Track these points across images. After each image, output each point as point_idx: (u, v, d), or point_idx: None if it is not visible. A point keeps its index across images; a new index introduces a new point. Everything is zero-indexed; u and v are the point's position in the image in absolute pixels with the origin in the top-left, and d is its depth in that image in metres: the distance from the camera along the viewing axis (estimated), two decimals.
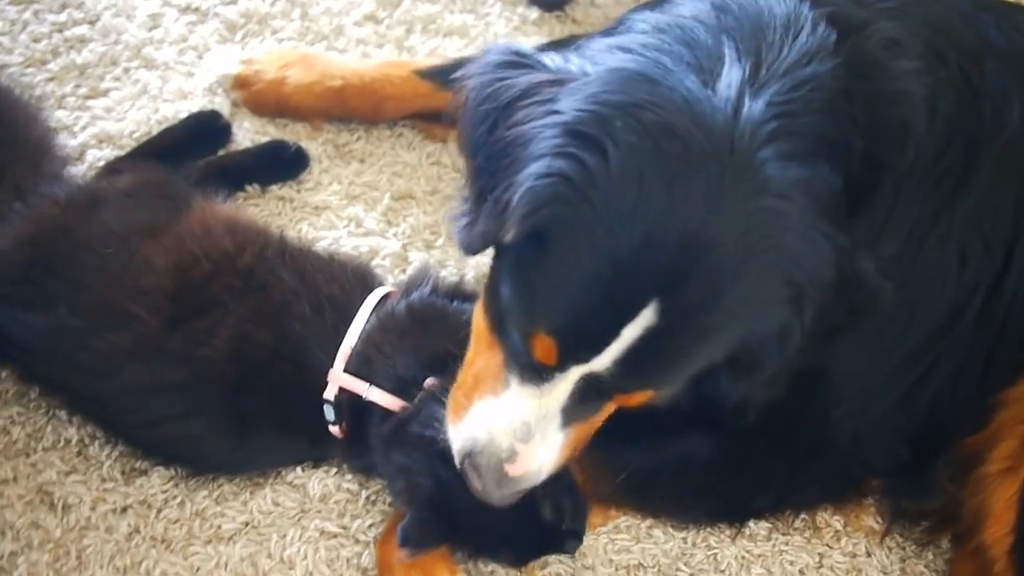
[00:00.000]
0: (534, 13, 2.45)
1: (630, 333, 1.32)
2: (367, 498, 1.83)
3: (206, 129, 2.17)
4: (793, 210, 1.33)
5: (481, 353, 1.56)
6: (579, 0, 2.48)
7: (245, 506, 1.81)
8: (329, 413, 1.76)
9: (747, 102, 1.34)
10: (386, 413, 1.72)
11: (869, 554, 1.83)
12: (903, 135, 1.52)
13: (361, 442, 1.77)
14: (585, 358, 1.37)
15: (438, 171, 2.21)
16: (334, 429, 1.77)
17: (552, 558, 1.79)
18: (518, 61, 1.46)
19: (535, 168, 1.34)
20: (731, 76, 1.37)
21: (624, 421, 1.60)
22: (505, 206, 1.37)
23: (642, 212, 1.29)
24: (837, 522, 1.86)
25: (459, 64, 2.16)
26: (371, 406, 1.73)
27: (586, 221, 1.31)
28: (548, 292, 1.38)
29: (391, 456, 1.70)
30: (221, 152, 2.18)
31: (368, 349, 1.76)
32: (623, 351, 1.34)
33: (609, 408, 1.54)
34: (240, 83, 2.23)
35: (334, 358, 1.76)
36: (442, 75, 2.18)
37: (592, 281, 1.33)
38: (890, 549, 1.84)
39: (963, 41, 1.64)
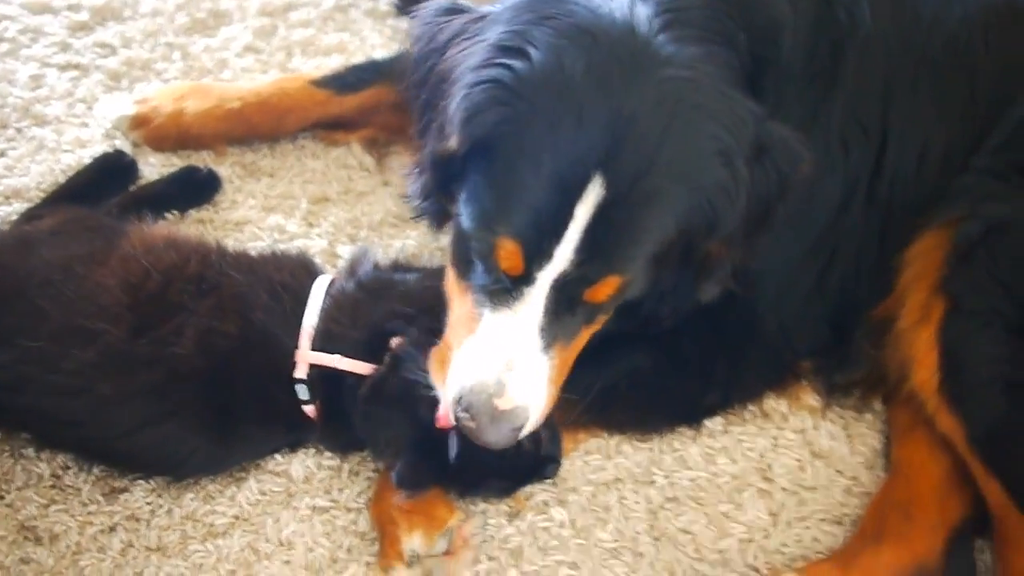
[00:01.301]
0: (404, 22, 2.59)
1: (583, 212, 1.47)
2: (349, 471, 1.90)
3: (113, 169, 2.22)
4: (700, 77, 1.52)
5: (455, 306, 1.67)
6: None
7: (233, 500, 1.85)
8: (303, 392, 1.83)
9: (638, 3, 1.56)
10: (358, 379, 1.80)
11: (816, 427, 2.00)
12: (775, 31, 1.73)
13: (337, 418, 1.84)
14: (548, 253, 1.49)
15: (347, 173, 2.32)
16: (309, 409, 1.84)
17: (537, 487, 1.89)
18: (452, 8, 1.66)
19: (468, 79, 1.51)
20: None
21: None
22: (446, 120, 1.52)
23: (570, 98, 1.47)
24: (782, 406, 2.02)
25: (351, 70, 2.33)
26: (343, 377, 1.81)
27: (523, 117, 1.48)
28: (503, 197, 1.51)
29: (372, 413, 1.77)
30: (132, 188, 2.22)
31: (329, 325, 1.84)
32: (581, 234, 1.48)
33: (585, 330, 1.65)
34: (138, 122, 2.29)
35: (298, 340, 1.83)
36: (336, 82, 2.31)
37: (539, 172, 1.47)
38: (832, 421, 2.02)
39: None
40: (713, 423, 1.99)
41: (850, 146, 1.90)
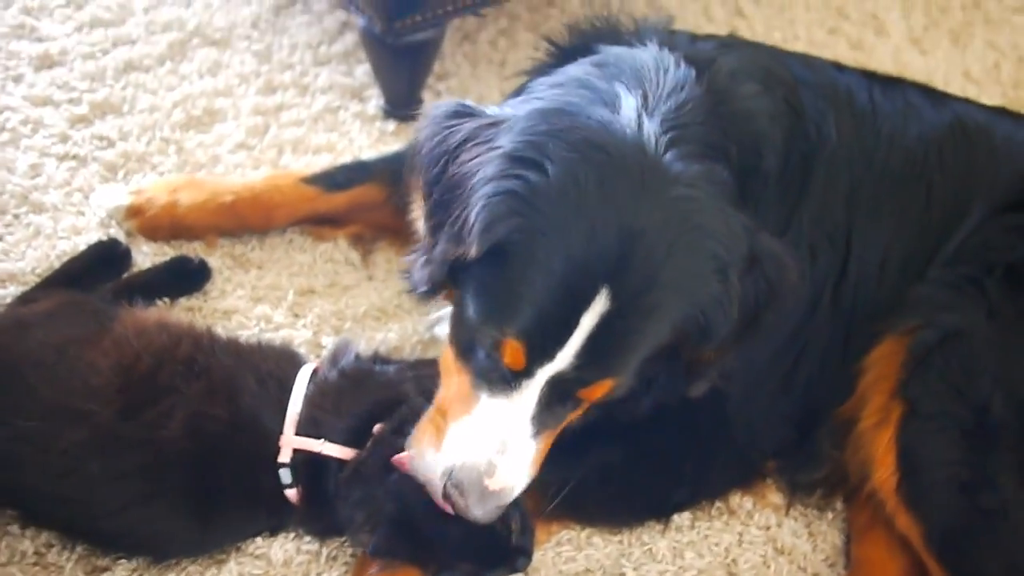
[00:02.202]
0: (391, 125, 2.72)
1: (588, 321, 1.56)
2: (328, 555, 1.95)
3: (108, 256, 2.28)
4: (702, 196, 1.63)
5: (451, 383, 1.75)
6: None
7: None
8: (285, 476, 1.89)
9: (646, 120, 1.66)
10: (340, 464, 1.87)
11: (779, 525, 2.08)
12: (758, 143, 1.86)
13: (318, 502, 1.90)
14: (550, 355, 1.58)
15: (333, 267, 2.40)
16: (291, 493, 1.90)
17: None
18: (461, 111, 1.73)
19: (486, 190, 1.58)
20: (628, 104, 1.68)
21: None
22: (462, 227, 1.60)
23: (583, 211, 1.56)
24: (748, 503, 2.10)
25: (340, 170, 2.43)
26: (325, 462, 1.88)
27: (538, 228, 1.56)
28: (512, 299, 1.59)
29: (352, 495, 1.83)
30: (125, 275, 2.29)
31: (313, 411, 1.91)
32: (583, 341, 1.57)
33: (570, 414, 1.74)
34: (133, 212, 2.37)
35: (283, 425, 1.90)
36: (325, 180, 2.41)
37: (550, 280, 1.56)
38: (795, 519, 2.10)
39: (780, 76, 2.00)
40: (681, 518, 2.07)
41: (817, 253, 2.02)
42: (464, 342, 1.70)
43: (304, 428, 1.90)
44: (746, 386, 2.05)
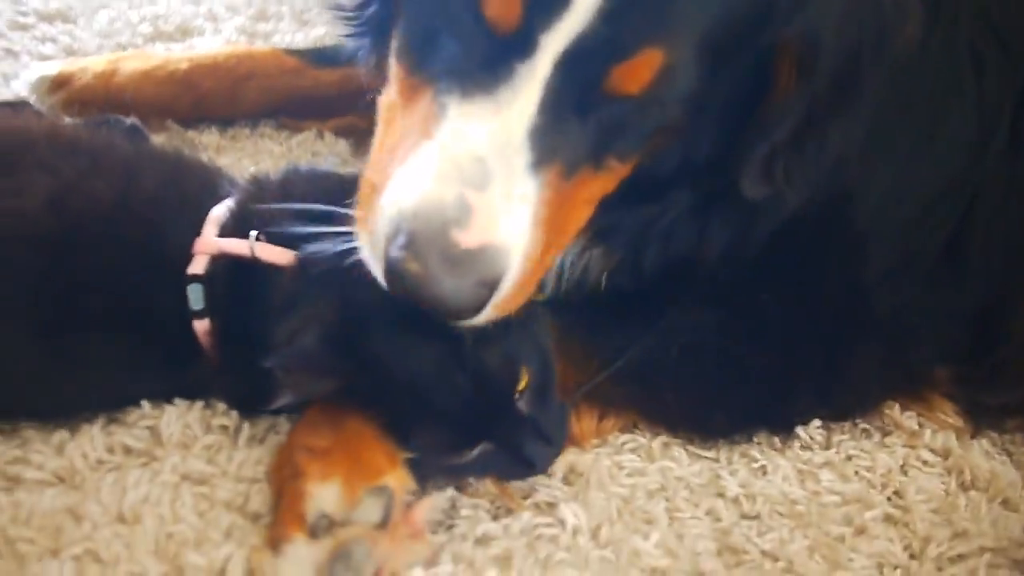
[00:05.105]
0: None
1: None
2: (252, 436, 1.22)
3: None
4: None
5: (397, 115, 1.11)
6: None
7: (60, 451, 1.17)
8: (196, 297, 1.20)
9: None
10: (279, 275, 1.19)
11: (965, 448, 1.32)
12: None
13: (237, 343, 1.19)
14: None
15: (313, 159, 1.78)
16: (200, 326, 1.20)
17: (542, 484, 1.20)
18: None
19: None
20: None
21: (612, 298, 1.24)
22: None
23: None
24: (911, 420, 1.35)
25: (333, 46, 1.89)
26: (256, 276, 1.19)
27: None
28: None
29: (290, 301, 1.14)
30: None
31: (246, 205, 1.26)
32: None
33: (616, 165, 1.09)
34: (60, 83, 1.79)
35: (200, 227, 1.24)
36: (312, 54, 1.84)
37: None
38: (990, 442, 1.35)
39: None
40: (809, 430, 1.32)
41: (985, 61, 1.38)
42: (418, 30, 1.08)
43: (232, 227, 1.24)
44: (892, 253, 1.38)
